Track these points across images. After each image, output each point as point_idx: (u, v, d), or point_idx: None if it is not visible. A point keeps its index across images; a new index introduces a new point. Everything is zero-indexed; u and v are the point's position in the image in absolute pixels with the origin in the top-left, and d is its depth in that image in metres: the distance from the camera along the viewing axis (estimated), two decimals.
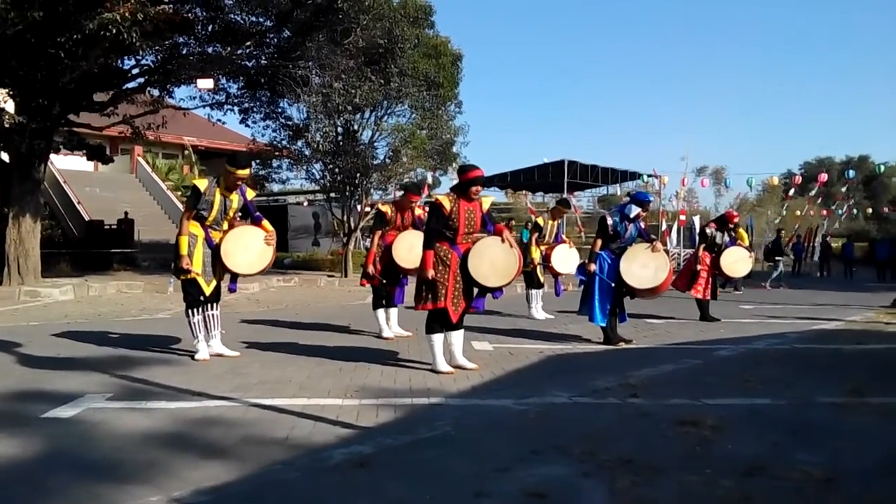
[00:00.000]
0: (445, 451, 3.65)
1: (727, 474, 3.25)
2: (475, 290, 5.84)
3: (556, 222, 10.17)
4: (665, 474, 3.27)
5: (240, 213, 6.43)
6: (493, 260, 5.67)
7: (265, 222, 6.37)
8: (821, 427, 4.16)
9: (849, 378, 5.48)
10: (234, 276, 6.46)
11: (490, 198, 6.21)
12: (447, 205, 5.64)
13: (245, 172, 6.23)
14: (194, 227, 6.21)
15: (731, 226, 10.48)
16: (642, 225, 7.57)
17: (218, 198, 6.19)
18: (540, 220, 10.16)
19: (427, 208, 6.67)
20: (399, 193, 10.22)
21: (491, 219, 5.90)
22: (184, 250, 6.11)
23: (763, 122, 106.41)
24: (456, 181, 5.96)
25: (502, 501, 2.96)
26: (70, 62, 12.01)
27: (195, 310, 6.29)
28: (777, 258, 19.53)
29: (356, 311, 10.43)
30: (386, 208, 7.82)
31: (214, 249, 6.25)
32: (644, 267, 7.25)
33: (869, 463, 3.49)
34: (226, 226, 6.35)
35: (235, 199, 6.30)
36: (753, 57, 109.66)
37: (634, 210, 7.37)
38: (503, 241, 5.66)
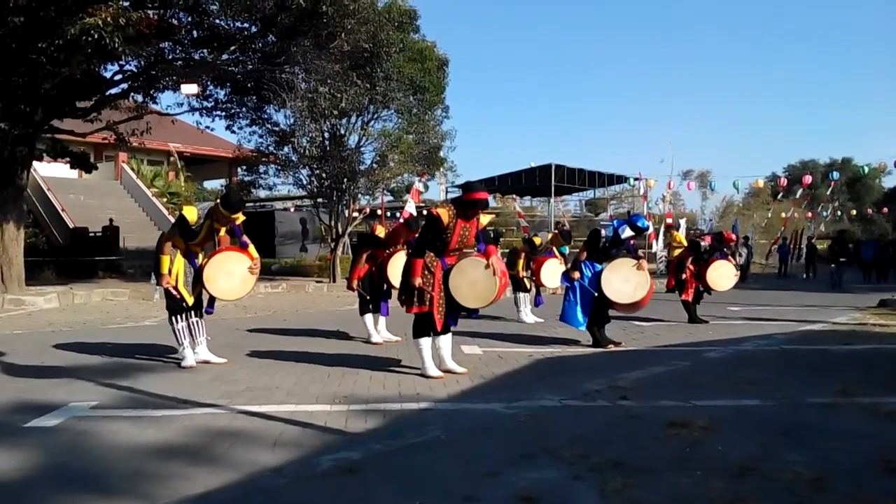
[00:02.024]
0: (435, 456, 3.62)
1: (718, 475, 3.24)
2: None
3: (551, 245, 10.30)
4: (656, 476, 3.25)
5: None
6: (473, 281, 5.62)
7: (251, 248, 6.31)
8: (810, 427, 4.16)
9: (837, 378, 5.50)
10: (212, 300, 6.42)
11: (489, 216, 6.10)
12: (445, 220, 5.56)
13: (238, 216, 6.16)
14: (177, 242, 6.18)
15: (727, 248, 10.53)
16: (631, 241, 7.64)
17: (205, 228, 6.17)
18: (537, 240, 10.34)
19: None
20: (387, 198, 10.26)
21: (485, 237, 5.85)
22: (164, 269, 6.09)
23: (747, 125, 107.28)
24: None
25: None
26: (52, 68, 11.90)
27: (179, 316, 6.24)
28: (842, 259, 19.91)
29: (344, 317, 10.38)
30: (381, 232, 7.90)
31: (197, 271, 6.22)
32: (625, 282, 7.33)
33: (859, 462, 3.48)
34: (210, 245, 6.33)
35: (224, 228, 6.27)
36: (736, 60, 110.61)
37: (628, 233, 7.44)
38: (488, 265, 5.59)
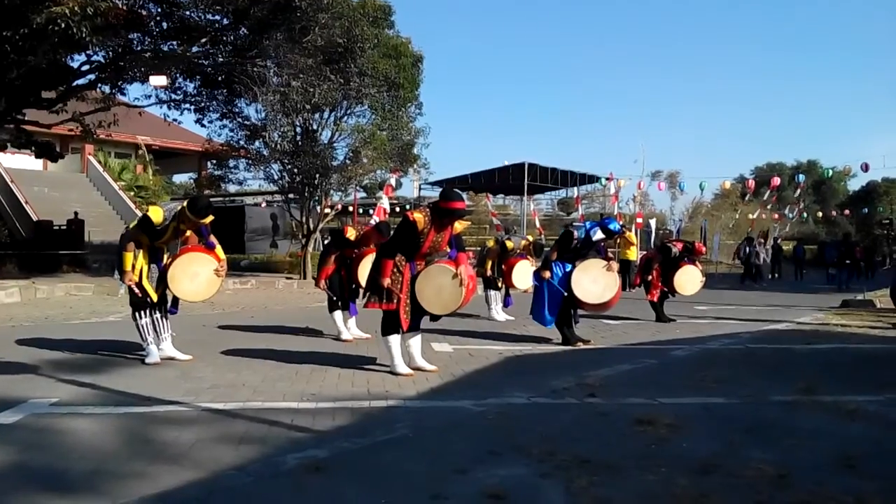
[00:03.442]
0: (403, 454, 3.60)
1: (683, 472, 3.27)
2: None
3: (522, 250, 10.36)
4: (622, 473, 3.27)
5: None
6: (439, 287, 5.59)
7: (218, 249, 6.20)
8: (774, 425, 4.22)
9: (800, 377, 5.60)
10: (176, 300, 6.31)
11: (465, 223, 6.02)
12: (420, 226, 5.49)
13: (207, 220, 6.01)
14: (141, 239, 6.06)
15: (696, 256, 10.64)
16: (602, 243, 7.73)
17: (171, 228, 6.05)
18: (510, 244, 10.36)
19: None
20: (360, 194, 10.18)
21: (458, 244, 5.82)
22: (128, 266, 5.97)
23: (716, 127, 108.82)
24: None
25: (460, 503, 2.93)
26: (17, 57, 11.64)
27: (143, 312, 6.12)
28: (847, 261, 20.43)
29: (314, 314, 10.29)
30: (352, 234, 7.83)
31: (162, 271, 6.12)
32: (594, 282, 7.40)
33: (821, 459, 3.55)
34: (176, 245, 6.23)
35: (190, 229, 6.15)
36: (707, 62, 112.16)
37: (599, 235, 7.50)
38: (456, 275, 5.56)
